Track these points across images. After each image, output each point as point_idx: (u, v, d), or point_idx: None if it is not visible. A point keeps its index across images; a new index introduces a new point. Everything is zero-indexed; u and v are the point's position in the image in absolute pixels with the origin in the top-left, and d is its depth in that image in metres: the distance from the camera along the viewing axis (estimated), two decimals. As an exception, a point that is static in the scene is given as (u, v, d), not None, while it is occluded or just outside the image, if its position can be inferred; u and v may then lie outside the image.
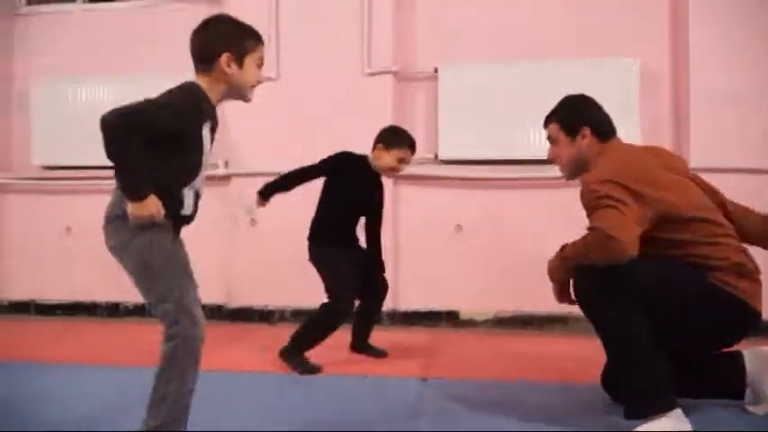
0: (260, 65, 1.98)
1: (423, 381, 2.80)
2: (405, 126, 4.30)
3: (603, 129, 2.29)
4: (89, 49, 4.86)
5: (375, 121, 3.65)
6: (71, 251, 4.76)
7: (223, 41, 1.88)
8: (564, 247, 2.14)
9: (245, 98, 1.98)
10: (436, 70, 4.33)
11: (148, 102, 1.78)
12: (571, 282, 2.14)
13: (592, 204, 2.03)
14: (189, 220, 1.96)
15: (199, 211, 1.99)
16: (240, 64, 1.89)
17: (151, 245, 1.82)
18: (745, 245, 2.17)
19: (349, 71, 4.31)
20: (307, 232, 3.19)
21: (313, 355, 3.04)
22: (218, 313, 4.48)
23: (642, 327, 1.97)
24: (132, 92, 4.69)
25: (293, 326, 4.16)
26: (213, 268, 4.52)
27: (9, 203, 4.89)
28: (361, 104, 4.24)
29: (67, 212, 4.78)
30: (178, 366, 1.79)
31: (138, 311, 4.61)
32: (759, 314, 2.06)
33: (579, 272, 2.07)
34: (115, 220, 1.84)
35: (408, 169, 4.29)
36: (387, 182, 4.19)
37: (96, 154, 5.17)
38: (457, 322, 4.25)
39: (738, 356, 2.20)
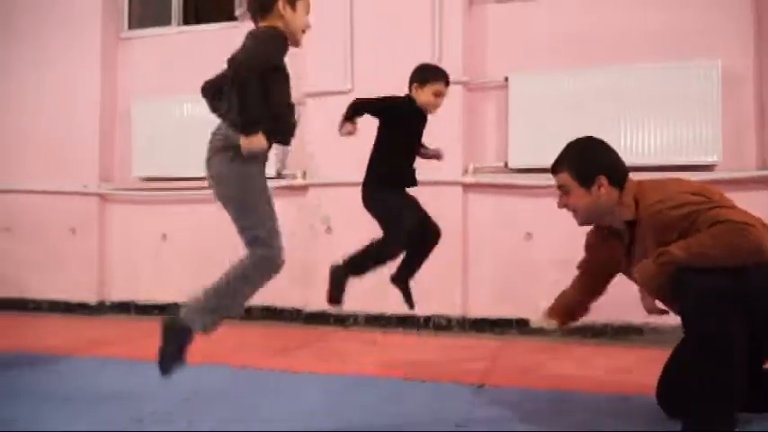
0: (308, 11, 2.31)
1: (479, 387, 2.86)
2: (475, 135, 4.43)
3: (619, 174, 2.16)
4: (183, 69, 5.22)
5: (445, 130, 3.73)
6: (166, 256, 5.15)
7: None
8: (664, 253, 1.93)
9: (297, 42, 2.29)
10: (506, 79, 4.35)
11: (259, 42, 2.14)
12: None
13: (685, 213, 1.94)
14: (289, 140, 2.31)
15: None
16: (293, 8, 2.22)
17: (248, 177, 2.16)
18: None
19: (420, 82, 4.41)
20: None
21: (387, 361, 3.16)
22: (295, 316, 4.71)
23: (741, 348, 1.85)
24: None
25: (366, 330, 4.37)
26: (291, 274, 4.72)
27: (111, 212, 5.34)
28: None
29: (163, 221, 5.16)
30: (243, 279, 2.16)
31: (224, 313, 4.91)
32: None
33: (693, 278, 1.87)
34: (222, 152, 2.15)
35: (478, 177, 4.38)
36: (457, 190, 4.30)
37: (190, 166, 5.57)
38: (526, 330, 4.24)
39: None
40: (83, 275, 5.26)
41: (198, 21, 5.46)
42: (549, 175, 4.28)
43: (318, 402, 2.59)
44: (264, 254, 2.17)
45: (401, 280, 3.33)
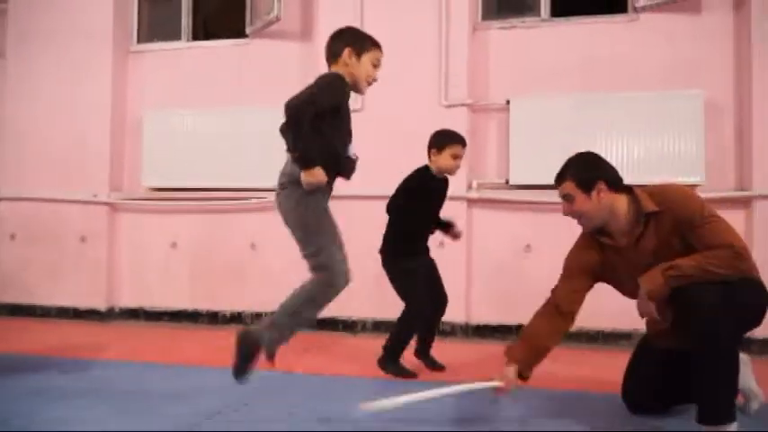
0: (376, 65, 2.56)
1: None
2: (478, 154, 4.74)
3: (616, 179, 2.43)
4: (194, 83, 5.43)
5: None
6: (175, 264, 5.33)
7: (347, 40, 2.51)
8: (674, 267, 2.21)
9: (360, 90, 2.53)
10: (508, 102, 4.68)
11: (315, 87, 2.33)
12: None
13: (706, 216, 2.26)
14: (349, 175, 2.52)
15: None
16: (358, 58, 2.44)
17: (313, 208, 2.38)
18: None
19: (428, 103, 4.71)
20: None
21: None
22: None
23: (738, 346, 2.22)
24: (230, 122, 5.30)
25: (374, 335, 4.63)
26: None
27: (120, 221, 5.49)
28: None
29: (172, 229, 5.34)
30: (308, 301, 2.39)
31: (234, 319, 5.13)
32: None
33: (702, 290, 2.17)
34: (289, 187, 2.35)
35: (481, 193, 4.68)
36: (461, 206, 4.60)
37: (199, 177, 5.74)
38: (526, 336, 4.56)
39: None
40: (92, 282, 5.40)
41: (207, 36, 5.66)
42: (548, 192, 4.64)
43: (351, 402, 2.84)
44: (326, 279, 2.40)
45: (425, 354, 3.63)
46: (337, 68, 2.51)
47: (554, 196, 4.63)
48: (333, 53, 2.53)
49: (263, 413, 2.67)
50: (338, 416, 2.63)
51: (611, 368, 3.21)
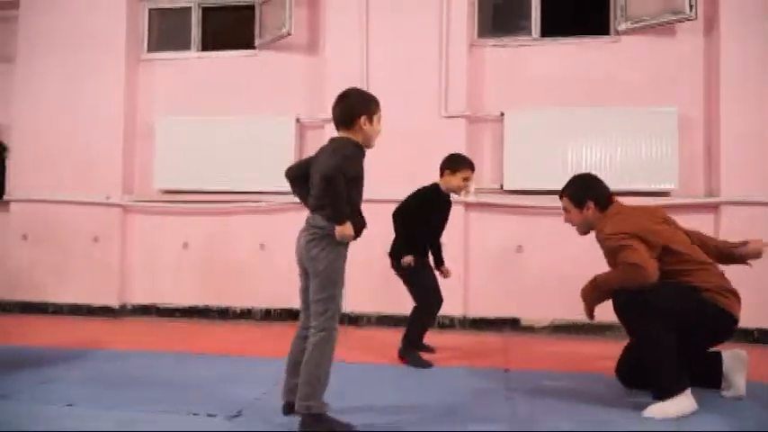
0: (380, 121, 2.78)
1: (506, 371, 3.58)
2: (474, 160, 5.11)
3: (603, 201, 3.10)
4: (202, 91, 5.73)
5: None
6: (187, 263, 5.62)
7: (360, 108, 2.66)
8: (597, 278, 2.94)
9: (371, 146, 2.76)
10: (502, 114, 5.11)
11: (341, 158, 2.57)
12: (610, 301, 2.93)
13: (616, 246, 2.87)
14: (360, 233, 2.73)
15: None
16: (371, 122, 2.68)
17: (336, 259, 2.62)
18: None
19: (429, 114, 5.11)
20: (385, 248, 3.97)
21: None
22: (313, 317, 5.29)
23: (666, 334, 2.77)
24: (239, 129, 5.61)
25: (377, 328, 5.00)
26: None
27: (132, 222, 5.76)
28: (439, 142, 5.01)
29: (184, 230, 5.63)
30: (326, 351, 2.57)
31: (244, 315, 5.46)
32: (737, 320, 2.91)
33: (620, 295, 2.84)
34: (319, 239, 2.61)
35: (477, 197, 5.10)
36: (459, 208, 5.00)
37: (208, 180, 5.99)
38: (518, 328, 5.01)
39: (718, 356, 3.04)
40: (105, 281, 5.66)
41: (214, 48, 5.96)
42: (539, 197, 5.11)
43: (392, 388, 3.23)
44: (328, 326, 2.58)
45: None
46: (352, 134, 2.66)
47: (544, 201, 5.12)
48: (345, 120, 2.66)
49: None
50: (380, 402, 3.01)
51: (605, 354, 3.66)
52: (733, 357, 3.02)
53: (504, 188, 5.10)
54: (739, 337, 4.61)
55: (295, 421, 2.51)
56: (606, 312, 3.06)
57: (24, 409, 2.70)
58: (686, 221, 4.78)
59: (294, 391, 2.56)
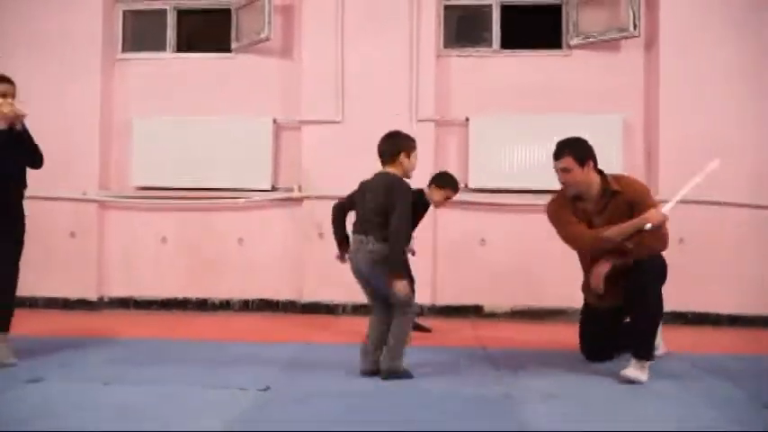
0: (416, 157, 3.38)
1: (484, 348, 4.04)
2: (441, 161, 5.57)
3: (596, 161, 3.39)
4: (178, 91, 5.93)
5: (421, 158, 4.83)
6: (166, 257, 5.82)
7: (402, 145, 3.29)
8: (626, 225, 3.20)
9: (409, 177, 3.31)
10: (467, 119, 5.57)
11: (404, 204, 3.13)
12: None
13: (648, 197, 3.33)
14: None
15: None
16: (409, 157, 3.28)
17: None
18: None
19: (400, 118, 5.50)
20: None
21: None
22: (291, 307, 5.62)
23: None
24: (216, 129, 5.85)
25: (354, 317, 5.36)
26: (288, 271, 5.66)
27: (109, 217, 5.91)
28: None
29: (162, 226, 5.83)
30: (406, 329, 3.23)
31: (222, 306, 5.72)
32: None
33: (653, 262, 3.25)
34: (373, 263, 3.17)
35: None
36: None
37: (186, 178, 6.14)
38: (482, 314, 5.49)
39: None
40: (82, 274, 5.79)
41: (189, 49, 6.16)
42: (501, 194, 5.55)
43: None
44: (407, 312, 3.25)
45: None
46: (394, 168, 3.26)
47: (505, 198, 5.59)
48: (390, 154, 3.28)
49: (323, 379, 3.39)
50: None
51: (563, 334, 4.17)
52: None
53: (469, 186, 5.56)
54: (675, 319, 5.27)
55: (328, 394, 2.88)
56: (562, 298, 3.57)
57: (62, 390, 2.92)
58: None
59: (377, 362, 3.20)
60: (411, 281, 4.26)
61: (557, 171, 3.41)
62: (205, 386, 3.00)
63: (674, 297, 5.11)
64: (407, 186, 3.23)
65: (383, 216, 3.14)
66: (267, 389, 2.95)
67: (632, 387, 3.10)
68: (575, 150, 3.34)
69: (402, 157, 3.25)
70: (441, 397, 2.88)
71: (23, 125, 3.51)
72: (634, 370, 3.18)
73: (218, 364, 3.49)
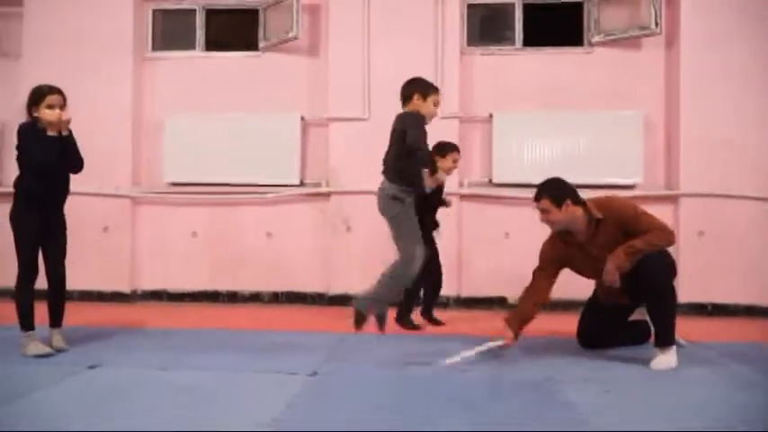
0: (436, 104, 3.65)
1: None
2: (466, 157, 5.70)
3: (576, 197, 3.47)
4: (208, 89, 6.08)
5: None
6: (196, 251, 5.99)
7: (416, 87, 3.64)
8: (630, 246, 3.28)
9: (427, 122, 3.56)
10: (491, 115, 5.71)
11: (416, 127, 3.44)
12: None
13: (639, 213, 3.40)
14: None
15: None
16: (424, 100, 3.52)
17: (408, 213, 3.45)
18: None
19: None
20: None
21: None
22: (319, 299, 5.78)
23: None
24: (245, 127, 5.96)
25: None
26: (316, 264, 5.82)
27: (142, 212, 6.07)
28: (435, 140, 5.54)
29: (193, 220, 5.99)
30: (399, 274, 3.46)
31: (253, 298, 5.88)
32: None
33: (654, 258, 3.29)
34: (392, 199, 3.45)
35: (469, 190, 5.68)
36: (454, 200, 5.56)
37: (215, 173, 6.27)
38: (506, 305, 5.63)
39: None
40: (115, 268, 5.96)
41: (217, 48, 6.31)
42: (524, 189, 5.70)
43: (420, 352, 3.76)
44: (407, 259, 3.49)
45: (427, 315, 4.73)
46: (411, 108, 3.58)
47: (529, 192, 5.70)
48: (405, 96, 3.64)
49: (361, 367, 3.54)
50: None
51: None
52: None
53: (493, 182, 5.70)
54: (695, 310, 5.40)
55: (377, 379, 3.04)
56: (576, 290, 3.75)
57: (125, 374, 3.08)
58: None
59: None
60: (435, 224, 4.54)
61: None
62: (256, 371, 3.16)
63: (694, 289, 5.35)
64: (417, 114, 3.53)
65: (397, 157, 3.53)
66: (315, 374, 3.10)
67: (665, 372, 3.24)
68: (550, 192, 3.47)
69: (416, 98, 3.58)
70: (486, 381, 3.02)
71: (69, 130, 3.65)
72: (662, 359, 3.32)
73: (262, 351, 3.63)
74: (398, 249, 3.57)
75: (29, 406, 2.57)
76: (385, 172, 3.67)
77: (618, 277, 3.42)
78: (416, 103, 3.59)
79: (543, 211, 3.48)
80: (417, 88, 3.63)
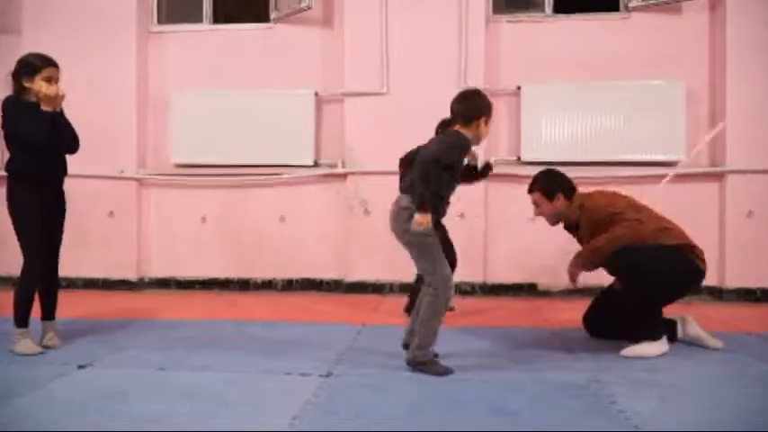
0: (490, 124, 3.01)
1: (552, 330, 3.84)
2: (492, 133, 5.29)
3: (569, 191, 3.43)
4: (216, 64, 5.73)
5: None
6: (206, 236, 5.67)
7: (481, 110, 2.92)
8: (590, 249, 3.24)
9: (477, 144, 3.00)
10: (519, 88, 5.29)
11: (450, 146, 2.84)
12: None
13: (607, 218, 3.24)
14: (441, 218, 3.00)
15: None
16: (486, 124, 2.94)
17: (424, 237, 2.82)
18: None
19: (448, 87, 5.22)
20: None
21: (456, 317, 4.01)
22: (336, 286, 5.45)
23: (654, 290, 3.15)
24: (256, 103, 5.57)
25: (402, 297, 5.16)
26: (332, 249, 5.48)
27: (148, 196, 5.76)
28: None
29: (202, 203, 5.67)
30: (434, 312, 2.85)
31: (265, 286, 5.56)
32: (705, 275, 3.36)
33: (618, 257, 3.14)
34: (405, 211, 2.81)
35: (496, 169, 5.27)
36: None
37: (226, 154, 5.88)
38: (534, 293, 5.26)
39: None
40: (121, 254, 5.66)
41: (225, 20, 5.94)
42: (555, 167, 5.28)
43: (459, 342, 3.42)
44: (436, 292, 2.83)
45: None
46: (467, 131, 2.89)
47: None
48: (465, 117, 2.89)
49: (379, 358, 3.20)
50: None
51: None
52: (690, 324, 3.39)
53: (522, 160, 5.30)
54: (742, 296, 4.99)
55: (396, 379, 2.73)
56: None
57: (118, 376, 2.77)
58: (692, 190, 5.14)
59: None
60: (451, 251, 3.99)
61: None
62: (267, 372, 2.83)
63: (742, 273, 4.94)
64: (463, 141, 2.88)
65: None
66: (329, 375, 2.77)
67: (724, 370, 2.90)
68: (543, 185, 3.48)
69: (481, 122, 2.89)
70: (525, 382, 2.67)
71: (61, 108, 3.32)
72: (636, 348, 3.15)
73: (273, 347, 3.31)
74: (423, 273, 2.97)
75: (7, 412, 2.27)
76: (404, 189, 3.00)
77: (576, 275, 3.37)
78: (480, 127, 2.91)
79: (535, 204, 3.52)
80: (485, 112, 2.92)
